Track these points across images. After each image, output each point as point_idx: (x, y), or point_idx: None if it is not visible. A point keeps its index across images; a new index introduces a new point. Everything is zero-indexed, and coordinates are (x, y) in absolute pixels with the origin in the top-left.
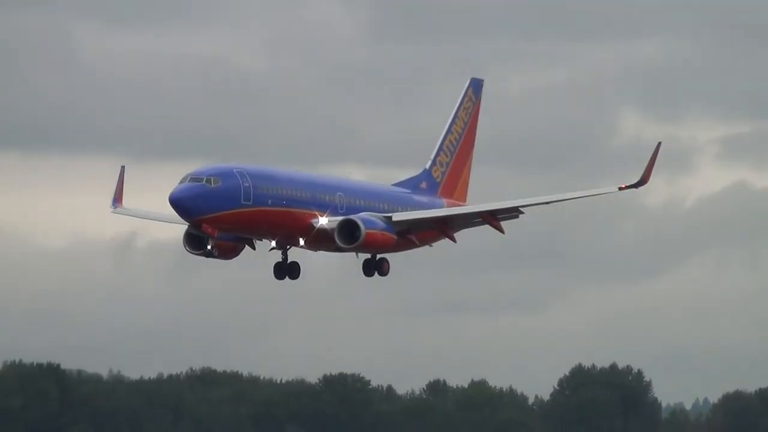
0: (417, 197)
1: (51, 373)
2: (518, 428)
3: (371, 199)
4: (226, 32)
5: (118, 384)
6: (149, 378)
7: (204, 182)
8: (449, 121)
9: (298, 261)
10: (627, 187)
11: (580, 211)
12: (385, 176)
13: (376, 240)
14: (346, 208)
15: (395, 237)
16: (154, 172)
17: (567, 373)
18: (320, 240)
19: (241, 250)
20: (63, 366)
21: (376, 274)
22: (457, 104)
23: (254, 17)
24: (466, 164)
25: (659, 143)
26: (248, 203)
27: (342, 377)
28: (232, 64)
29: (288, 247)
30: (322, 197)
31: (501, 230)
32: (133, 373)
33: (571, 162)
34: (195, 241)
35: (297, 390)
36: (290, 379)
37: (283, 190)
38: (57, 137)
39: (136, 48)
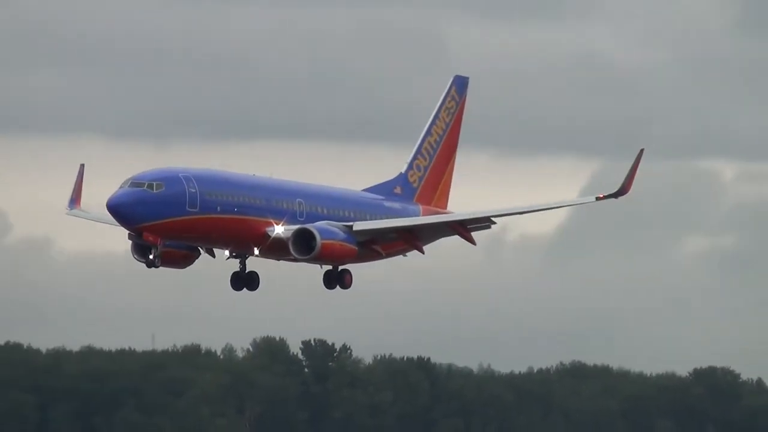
0: (388, 204)
1: (421, 367)
2: None
3: (336, 206)
4: (600, 26)
5: (488, 378)
6: (519, 372)
7: (145, 187)
8: (429, 121)
9: (257, 271)
10: (605, 197)
11: None
12: (750, 170)
13: (333, 251)
14: (307, 215)
15: (356, 248)
16: (522, 168)
17: None
18: (277, 250)
19: (196, 257)
20: (433, 360)
21: (337, 287)
22: (439, 103)
23: (629, 10)
24: (447, 168)
25: (641, 150)
26: (194, 210)
27: (711, 370)
28: (605, 59)
29: (246, 256)
30: (279, 204)
31: (472, 242)
32: (503, 367)
33: None
34: (143, 249)
35: (667, 384)
36: (660, 373)
37: (235, 196)
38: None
39: (507, 43)
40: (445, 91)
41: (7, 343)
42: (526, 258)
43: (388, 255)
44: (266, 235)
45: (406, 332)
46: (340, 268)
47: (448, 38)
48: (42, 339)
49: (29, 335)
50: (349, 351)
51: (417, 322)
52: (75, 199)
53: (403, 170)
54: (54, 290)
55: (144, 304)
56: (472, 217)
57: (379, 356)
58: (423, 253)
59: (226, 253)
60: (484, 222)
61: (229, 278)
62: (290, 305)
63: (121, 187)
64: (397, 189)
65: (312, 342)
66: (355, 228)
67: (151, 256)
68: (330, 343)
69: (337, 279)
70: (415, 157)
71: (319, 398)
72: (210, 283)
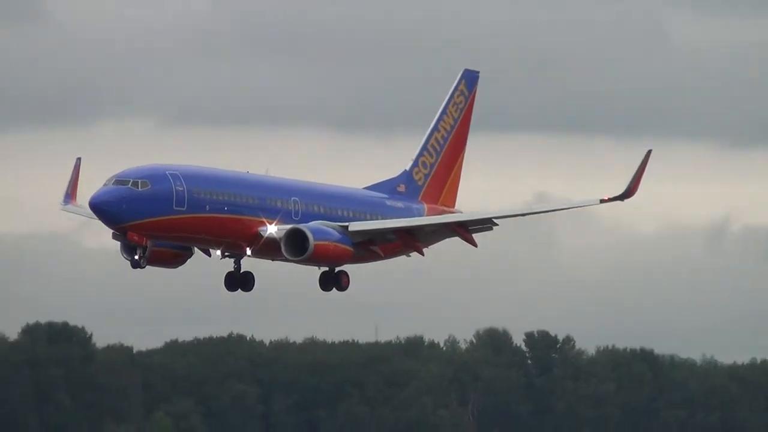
0: (391, 203)
1: (645, 358)
2: None
3: (334, 204)
4: None
5: (711, 369)
6: (742, 363)
7: (130, 185)
8: (436, 117)
9: (252, 271)
10: (610, 200)
11: None
12: None
13: (327, 252)
14: (302, 214)
15: (351, 249)
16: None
17: None
18: (270, 250)
19: (188, 257)
20: (656, 351)
21: (334, 289)
22: (447, 98)
23: None
24: (454, 166)
25: (649, 151)
26: (182, 209)
27: None
28: None
29: (240, 256)
30: (273, 202)
31: (473, 243)
32: (726, 358)
33: None
34: (131, 249)
35: None
36: None
37: (225, 194)
38: (649, 124)
39: (725, 37)
40: (454, 85)
41: (230, 335)
42: (749, 249)
43: (387, 256)
44: (259, 235)
45: (630, 323)
46: (337, 269)
47: (669, 31)
48: (265, 331)
49: (253, 327)
50: (572, 342)
51: (640, 314)
52: (70, 195)
53: (407, 167)
54: (277, 282)
55: (367, 295)
56: (473, 218)
57: (602, 347)
58: (423, 254)
59: (218, 253)
60: (486, 224)
61: (223, 278)
62: (513, 297)
63: (105, 184)
64: (401, 187)
65: (535, 334)
66: (350, 228)
67: (136, 256)
68: (553, 335)
69: (333, 281)
70: (420, 154)
71: (542, 390)
72: (431, 274)
